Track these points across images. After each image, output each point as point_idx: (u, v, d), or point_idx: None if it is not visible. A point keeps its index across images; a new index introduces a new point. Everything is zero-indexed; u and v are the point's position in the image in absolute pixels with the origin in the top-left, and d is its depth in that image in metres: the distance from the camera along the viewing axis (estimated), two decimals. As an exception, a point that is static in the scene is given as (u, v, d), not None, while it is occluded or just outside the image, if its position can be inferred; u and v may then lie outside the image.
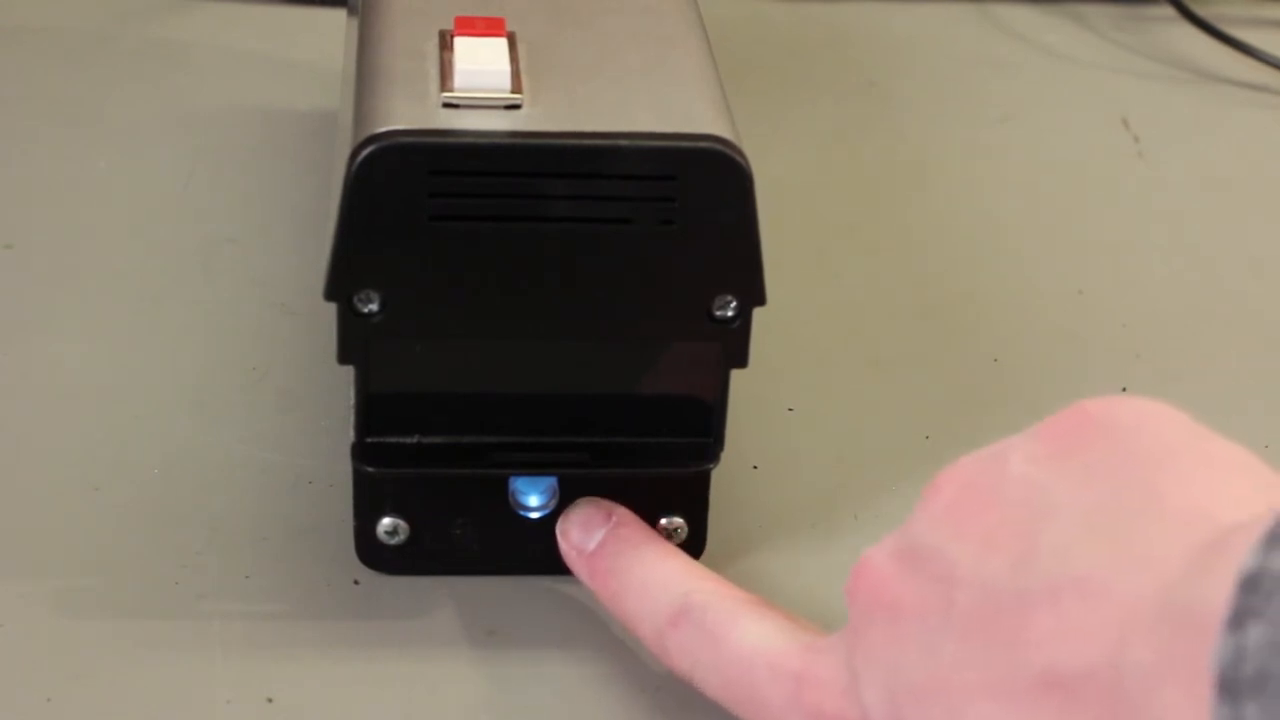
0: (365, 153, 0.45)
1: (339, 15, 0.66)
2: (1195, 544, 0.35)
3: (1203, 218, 0.71)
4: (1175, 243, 0.69)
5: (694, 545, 0.51)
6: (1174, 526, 0.36)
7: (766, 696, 0.43)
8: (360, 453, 0.49)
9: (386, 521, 0.50)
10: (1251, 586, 0.32)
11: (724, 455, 0.50)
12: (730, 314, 0.47)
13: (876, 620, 0.40)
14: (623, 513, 0.49)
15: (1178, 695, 0.33)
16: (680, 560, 0.48)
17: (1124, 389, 0.60)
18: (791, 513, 0.54)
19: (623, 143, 0.45)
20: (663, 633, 0.46)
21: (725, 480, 0.52)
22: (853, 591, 0.41)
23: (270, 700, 0.47)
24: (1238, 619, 0.32)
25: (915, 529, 0.41)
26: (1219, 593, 0.33)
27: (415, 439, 0.49)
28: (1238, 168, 0.74)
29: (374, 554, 0.50)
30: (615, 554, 0.48)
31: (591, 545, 0.49)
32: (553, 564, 0.50)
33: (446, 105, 0.46)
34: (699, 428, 0.50)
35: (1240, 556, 0.33)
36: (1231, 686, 0.32)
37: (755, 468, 0.56)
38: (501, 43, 0.48)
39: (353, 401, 0.49)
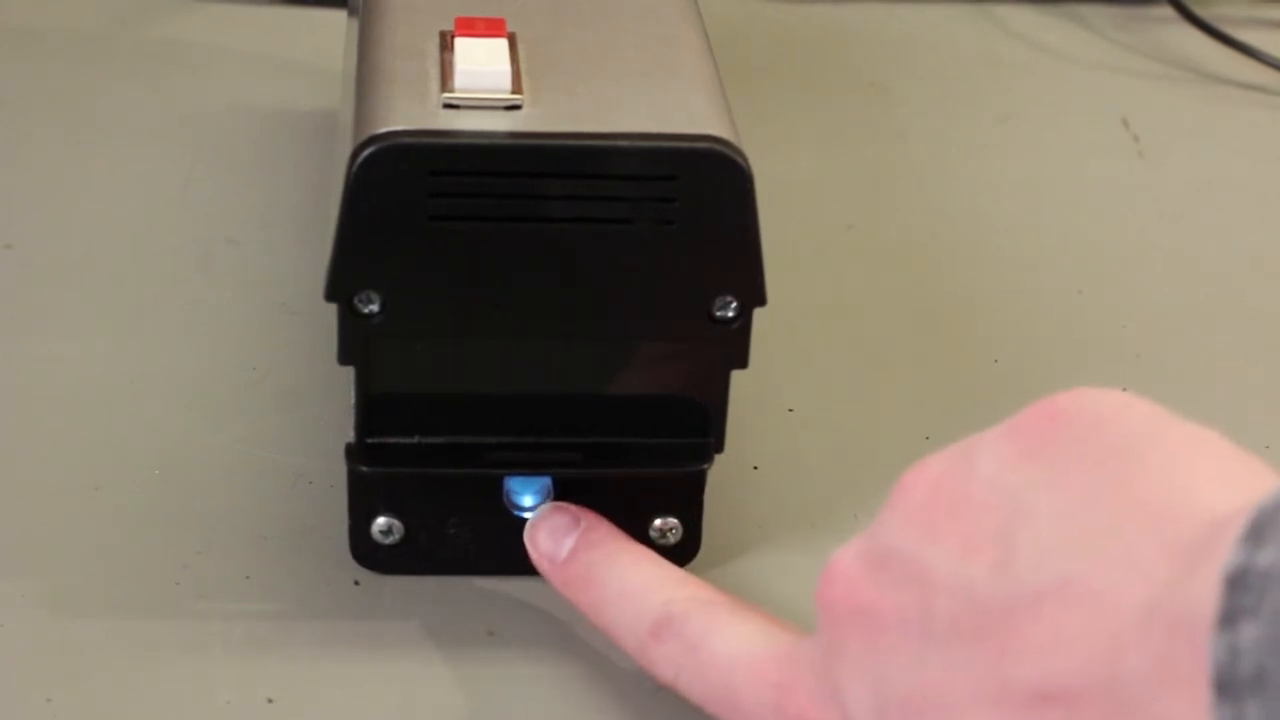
0: (365, 153, 0.45)
1: (339, 15, 0.66)
2: (1178, 541, 0.34)
3: (1203, 218, 0.71)
4: (1175, 243, 0.69)
5: (689, 546, 0.51)
6: (1154, 523, 0.35)
7: (748, 704, 0.43)
8: (359, 452, 0.49)
9: (381, 521, 0.50)
10: (1238, 584, 0.32)
11: (724, 456, 0.50)
12: (730, 314, 0.47)
13: (855, 630, 0.39)
14: (591, 517, 0.49)
15: (1180, 700, 0.33)
16: (654, 566, 0.47)
17: (1124, 389, 0.60)
18: (791, 513, 0.54)
19: (622, 143, 0.45)
20: (644, 644, 0.45)
21: (725, 481, 0.52)
22: (824, 599, 0.40)
23: (270, 700, 0.47)
24: (1229, 618, 0.32)
25: (885, 531, 0.40)
26: (1207, 594, 0.32)
27: (415, 439, 0.49)
28: (1238, 168, 0.74)
29: (368, 553, 0.50)
30: (588, 563, 0.48)
31: (563, 554, 0.48)
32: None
33: (447, 106, 0.46)
34: (696, 428, 0.50)
35: (1224, 554, 0.33)
36: (1229, 686, 0.32)
37: (755, 468, 0.56)
38: (502, 43, 0.48)
39: (353, 401, 0.49)
